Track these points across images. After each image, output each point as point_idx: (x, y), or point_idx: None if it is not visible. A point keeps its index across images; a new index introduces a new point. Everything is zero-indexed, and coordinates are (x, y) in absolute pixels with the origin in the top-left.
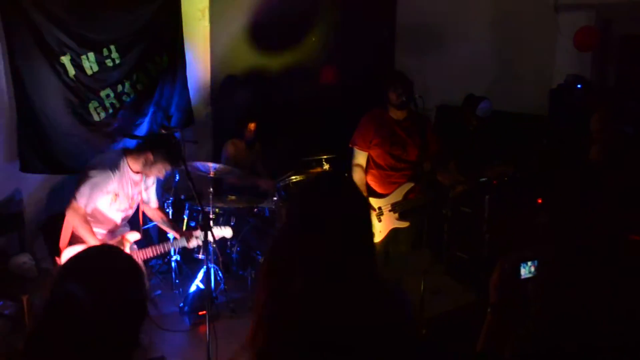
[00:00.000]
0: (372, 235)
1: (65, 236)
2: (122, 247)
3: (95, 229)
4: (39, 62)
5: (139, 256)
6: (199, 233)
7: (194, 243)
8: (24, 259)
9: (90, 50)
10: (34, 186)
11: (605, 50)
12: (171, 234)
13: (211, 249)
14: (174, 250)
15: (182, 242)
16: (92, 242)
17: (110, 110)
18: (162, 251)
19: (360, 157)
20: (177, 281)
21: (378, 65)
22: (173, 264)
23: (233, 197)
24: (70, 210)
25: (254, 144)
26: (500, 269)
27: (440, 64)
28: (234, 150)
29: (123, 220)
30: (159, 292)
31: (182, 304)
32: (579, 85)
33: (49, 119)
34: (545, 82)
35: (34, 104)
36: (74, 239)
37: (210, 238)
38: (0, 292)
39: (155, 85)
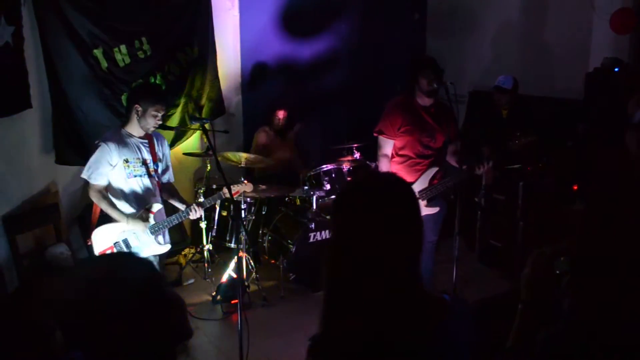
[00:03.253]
0: None
1: (93, 217)
2: (147, 218)
3: (124, 207)
4: (72, 55)
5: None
6: (197, 208)
7: (194, 215)
8: (61, 249)
9: (122, 42)
10: (69, 178)
11: None
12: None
13: (243, 235)
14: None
15: (185, 213)
16: (114, 215)
17: None
18: (177, 222)
19: (388, 147)
20: (209, 270)
21: (409, 50)
22: (206, 253)
23: (264, 187)
24: (89, 190)
25: (285, 132)
26: (534, 264)
27: (473, 48)
28: (266, 138)
29: (147, 190)
30: (191, 280)
31: (214, 293)
32: (616, 69)
33: (83, 111)
34: (581, 66)
35: (69, 96)
36: (102, 219)
37: (227, 193)
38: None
39: (186, 76)
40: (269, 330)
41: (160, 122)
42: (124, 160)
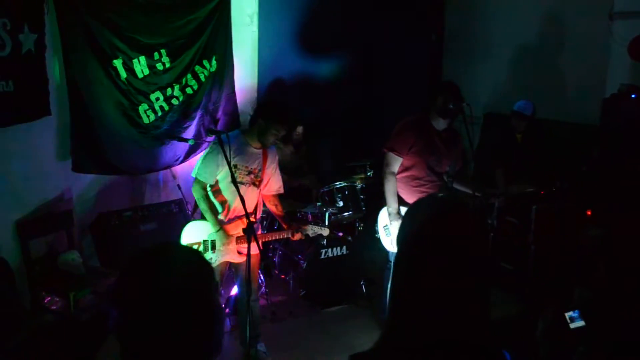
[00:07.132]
0: None
1: (194, 211)
2: (239, 229)
3: (220, 208)
4: (92, 65)
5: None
6: (307, 227)
7: (298, 237)
8: (73, 256)
9: (142, 54)
10: (83, 185)
11: None
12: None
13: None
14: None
15: (288, 234)
16: (209, 218)
17: (160, 113)
18: (278, 237)
19: (396, 164)
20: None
21: (426, 70)
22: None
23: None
24: (193, 185)
25: (301, 147)
26: (545, 323)
27: (489, 70)
28: (281, 156)
29: (247, 199)
30: None
31: (223, 306)
32: (633, 95)
33: (101, 120)
34: (598, 92)
35: (87, 105)
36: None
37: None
38: (49, 288)
39: (203, 89)
40: (277, 346)
41: (278, 142)
42: (234, 165)
